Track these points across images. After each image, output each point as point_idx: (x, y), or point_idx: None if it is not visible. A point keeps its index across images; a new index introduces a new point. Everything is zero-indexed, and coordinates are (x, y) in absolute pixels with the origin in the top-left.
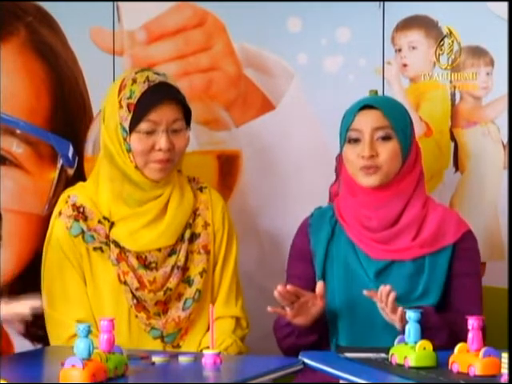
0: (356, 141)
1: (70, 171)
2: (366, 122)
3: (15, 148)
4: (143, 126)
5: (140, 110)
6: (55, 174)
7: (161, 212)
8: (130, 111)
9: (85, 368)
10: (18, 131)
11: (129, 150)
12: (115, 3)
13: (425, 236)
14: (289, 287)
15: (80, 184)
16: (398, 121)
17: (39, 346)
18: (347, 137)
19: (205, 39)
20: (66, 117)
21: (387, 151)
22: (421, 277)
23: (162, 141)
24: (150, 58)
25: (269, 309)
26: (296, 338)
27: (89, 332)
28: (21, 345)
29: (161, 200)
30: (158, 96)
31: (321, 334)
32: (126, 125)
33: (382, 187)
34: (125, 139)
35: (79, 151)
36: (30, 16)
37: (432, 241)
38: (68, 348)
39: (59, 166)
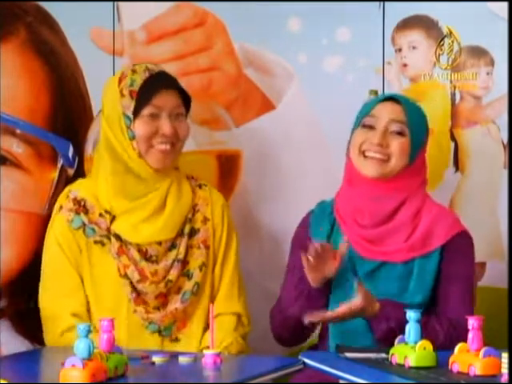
0: (370, 127)
1: (70, 171)
2: (385, 112)
3: (15, 148)
4: (146, 110)
5: (143, 96)
6: (55, 174)
7: (160, 206)
8: (132, 98)
9: (85, 368)
10: (18, 131)
11: (132, 138)
12: (115, 3)
13: (414, 239)
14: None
15: (80, 180)
16: (415, 121)
17: (39, 346)
18: (362, 121)
19: (205, 39)
20: (65, 117)
21: (398, 145)
22: (410, 279)
23: (165, 125)
24: (150, 58)
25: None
26: (306, 300)
27: (89, 332)
28: (21, 345)
29: (159, 193)
30: (160, 82)
31: (327, 298)
32: (130, 112)
33: (382, 179)
34: (128, 127)
35: (79, 151)
36: (30, 16)
37: (422, 244)
38: (68, 348)
39: (59, 165)
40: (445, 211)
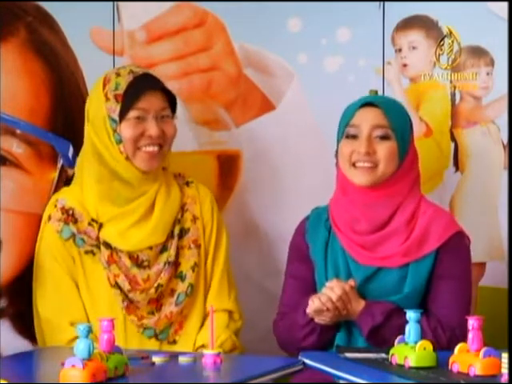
0: (354, 137)
1: (70, 171)
2: (366, 119)
3: (15, 148)
4: (132, 113)
5: (128, 99)
6: (55, 174)
7: (148, 210)
8: (118, 102)
9: (85, 368)
10: (19, 131)
11: (119, 142)
12: (115, 3)
13: (409, 243)
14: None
15: (66, 188)
16: (397, 122)
17: (39, 346)
18: (345, 132)
19: (205, 39)
20: (65, 117)
21: (384, 150)
22: (405, 283)
23: (152, 127)
24: (150, 58)
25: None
26: (318, 336)
27: (89, 332)
28: (21, 345)
29: (148, 197)
30: (145, 85)
31: (338, 327)
32: (116, 115)
33: (374, 187)
34: (114, 130)
35: (79, 151)
36: (30, 16)
37: (416, 248)
38: (68, 348)
39: (59, 166)
40: (440, 212)
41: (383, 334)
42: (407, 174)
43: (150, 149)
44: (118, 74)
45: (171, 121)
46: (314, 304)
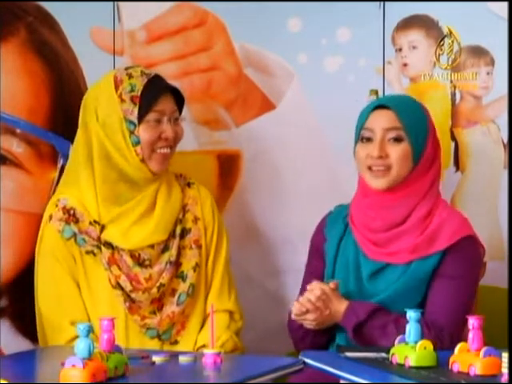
0: (368, 140)
1: None
2: (379, 122)
3: (15, 148)
4: (151, 115)
5: (146, 101)
6: (55, 174)
7: (149, 208)
8: (135, 104)
9: (85, 368)
10: (19, 131)
11: (136, 144)
12: (115, 3)
13: (418, 242)
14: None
15: (64, 188)
16: (411, 123)
17: (39, 346)
18: (360, 135)
19: (205, 39)
20: (66, 116)
21: (397, 153)
22: (407, 280)
23: (168, 130)
24: (150, 58)
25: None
26: (312, 339)
27: (89, 332)
28: (21, 345)
29: (147, 195)
30: (160, 87)
31: (335, 329)
32: (134, 117)
33: (391, 189)
34: (132, 132)
35: None
36: (30, 16)
37: (425, 246)
38: (68, 348)
39: (59, 165)
40: (454, 215)
41: (367, 333)
42: (424, 174)
43: (165, 151)
44: (130, 75)
45: (180, 123)
46: (294, 308)
